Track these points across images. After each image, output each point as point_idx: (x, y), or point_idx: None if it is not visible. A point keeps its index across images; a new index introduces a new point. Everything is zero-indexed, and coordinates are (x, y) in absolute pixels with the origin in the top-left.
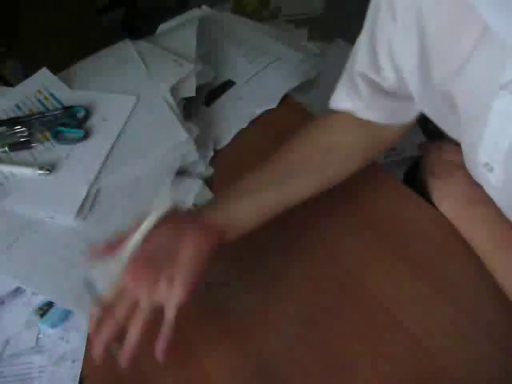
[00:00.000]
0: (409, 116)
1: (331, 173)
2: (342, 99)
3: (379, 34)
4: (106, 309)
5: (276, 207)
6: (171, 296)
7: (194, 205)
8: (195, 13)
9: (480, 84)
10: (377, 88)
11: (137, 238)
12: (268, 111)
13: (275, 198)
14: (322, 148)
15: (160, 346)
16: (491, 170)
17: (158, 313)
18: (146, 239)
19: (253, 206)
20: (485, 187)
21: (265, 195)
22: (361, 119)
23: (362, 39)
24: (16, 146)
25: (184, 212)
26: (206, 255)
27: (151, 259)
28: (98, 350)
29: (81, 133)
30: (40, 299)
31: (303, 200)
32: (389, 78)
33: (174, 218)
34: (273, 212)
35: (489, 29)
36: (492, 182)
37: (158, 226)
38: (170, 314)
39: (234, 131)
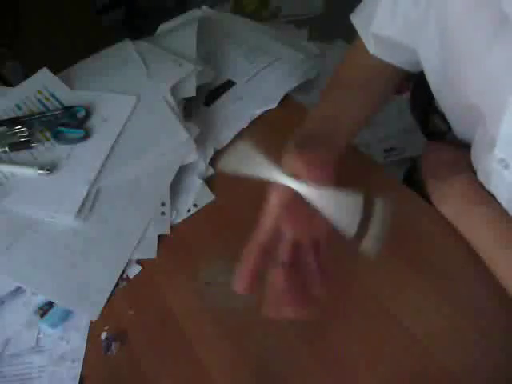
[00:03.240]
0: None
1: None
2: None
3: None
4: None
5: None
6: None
7: (194, 205)
8: (195, 13)
9: (497, 78)
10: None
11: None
12: (268, 111)
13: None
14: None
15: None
16: (507, 166)
17: (157, 315)
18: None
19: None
20: (495, 186)
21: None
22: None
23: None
24: (16, 146)
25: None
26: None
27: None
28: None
29: (81, 133)
30: (40, 299)
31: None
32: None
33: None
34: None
35: (508, 20)
36: (507, 178)
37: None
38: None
39: (234, 131)
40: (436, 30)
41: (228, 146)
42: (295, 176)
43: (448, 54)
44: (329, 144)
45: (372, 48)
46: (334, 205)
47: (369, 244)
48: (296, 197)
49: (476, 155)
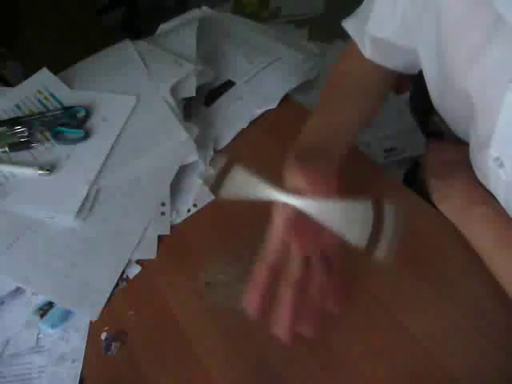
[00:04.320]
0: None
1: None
2: (351, 28)
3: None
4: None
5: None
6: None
7: (194, 205)
8: (195, 13)
9: (492, 77)
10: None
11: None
12: (268, 111)
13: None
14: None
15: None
16: (502, 165)
17: (157, 315)
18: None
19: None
20: (493, 185)
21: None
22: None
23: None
24: (16, 146)
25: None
26: None
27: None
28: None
29: (81, 133)
30: (40, 299)
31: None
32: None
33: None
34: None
35: (502, 20)
36: (502, 177)
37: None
38: (338, 262)
39: (234, 131)
40: (433, 29)
41: (228, 145)
42: (298, 192)
43: (444, 53)
44: (329, 156)
45: (367, 52)
46: (340, 218)
47: (382, 253)
48: (300, 213)
49: (473, 155)
